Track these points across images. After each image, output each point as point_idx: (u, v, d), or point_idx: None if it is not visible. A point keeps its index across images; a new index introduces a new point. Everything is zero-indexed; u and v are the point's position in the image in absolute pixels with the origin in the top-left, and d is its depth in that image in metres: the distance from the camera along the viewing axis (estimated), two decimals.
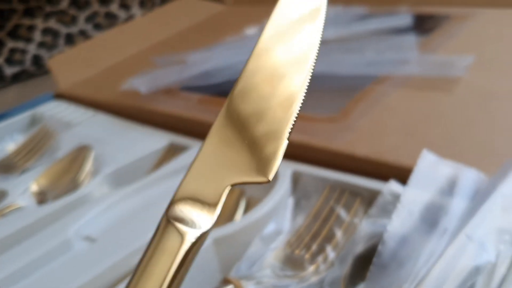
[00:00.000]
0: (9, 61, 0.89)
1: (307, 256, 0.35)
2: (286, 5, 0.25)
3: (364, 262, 0.32)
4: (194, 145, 0.48)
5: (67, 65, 0.69)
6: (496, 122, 0.39)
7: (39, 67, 0.92)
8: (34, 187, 0.44)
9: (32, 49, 0.91)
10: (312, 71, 0.23)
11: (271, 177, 0.20)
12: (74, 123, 0.56)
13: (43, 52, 0.92)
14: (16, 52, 0.90)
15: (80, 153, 0.48)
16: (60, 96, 0.64)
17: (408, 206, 0.31)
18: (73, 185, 0.45)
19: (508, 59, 0.47)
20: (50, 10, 0.93)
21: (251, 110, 0.22)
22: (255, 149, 0.21)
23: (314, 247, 0.35)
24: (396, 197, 0.34)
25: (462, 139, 0.38)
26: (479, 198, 0.30)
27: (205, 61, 0.57)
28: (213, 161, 0.21)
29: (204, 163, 0.21)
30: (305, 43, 0.23)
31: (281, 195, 0.40)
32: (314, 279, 0.33)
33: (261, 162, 0.20)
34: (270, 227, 0.37)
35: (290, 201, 0.40)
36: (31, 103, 0.62)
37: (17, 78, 0.90)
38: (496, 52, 0.49)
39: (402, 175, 0.35)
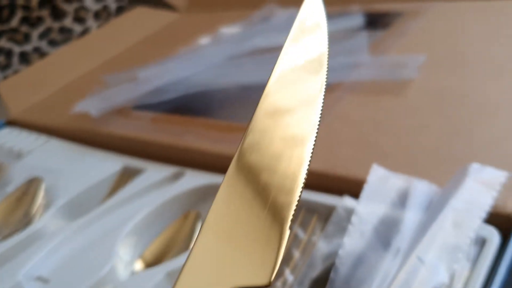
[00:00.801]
0: None
1: None
2: (288, 59, 0.24)
3: (322, 284, 0.31)
4: (148, 167, 0.46)
5: (19, 88, 0.67)
6: (450, 124, 0.38)
7: None
8: None
9: None
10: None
11: (272, 278, 0.18)
12: (25, 152, 0.54)
13: None
14: None
15: (30, 186, 0.46)
16: (12, 122, 0.62)
17: (360, 226, 0.30)
18: (25, 222, 0.43)
19: (459, 55, 0.46)
20: (0, 29, 0.90)
21: (249, 197, 0.20)
22: (252, 243, 0.19)
23: None
24: (350, 213, 0.33)
25: (416, 146, 0.37)
26: (432, 210, 0.30)
27: (157, 77, 0.55)
28: (206, 259, 0.19)
29: (196, 262, 0.19)
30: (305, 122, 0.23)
31: None
32: None
33: (259, 260, 0.18)
34: None
35: None
36: None
37: None
38: (447, 49, 0.48)
39: (358, 188, 0.34)
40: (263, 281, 0.18)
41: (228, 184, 0.21)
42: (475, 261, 0.28)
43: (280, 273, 0.34)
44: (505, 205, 0.30)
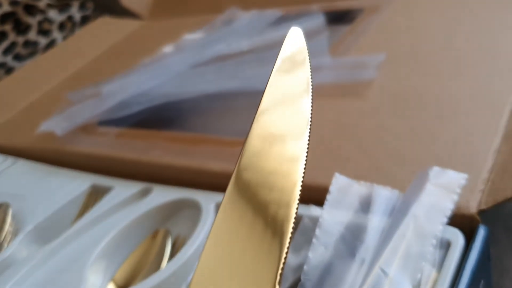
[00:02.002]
0: None
1: None
2: (277, 85, 0.25)
3: None
4: (116, 185, 0.46)
5: None
6: (411, 125, 0.38)
7: None
8: None
9: None
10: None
11: None
12: None
13: None
14: None
15: None
16: None
17: (324, 238, 0.30)
18: None
19: (419, 52, 0.46)
20: None
21: (249, 213, 0.21)
22: (253, 259, 0.20)
23: None
24: (316, 223, 0.33)
25: (378, 149, 0.37)
26: (394, 218, 0.29)
27: (120, 90, 0.55)
28: (209, 277, 0.20)
29: (201, 279, 0.20)
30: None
31: (207, 231, 0.38)
32: None
33: (261, 275, 0.19)
34: None
35: None
36: None
37: None
38: (407, 46, 0.48)
39: (323, 196, 0.34)
40: None
41: (228, 202, 0.22)
42: (440, 265, 0.28)
43: None
44: (468, 205, 0.30)
